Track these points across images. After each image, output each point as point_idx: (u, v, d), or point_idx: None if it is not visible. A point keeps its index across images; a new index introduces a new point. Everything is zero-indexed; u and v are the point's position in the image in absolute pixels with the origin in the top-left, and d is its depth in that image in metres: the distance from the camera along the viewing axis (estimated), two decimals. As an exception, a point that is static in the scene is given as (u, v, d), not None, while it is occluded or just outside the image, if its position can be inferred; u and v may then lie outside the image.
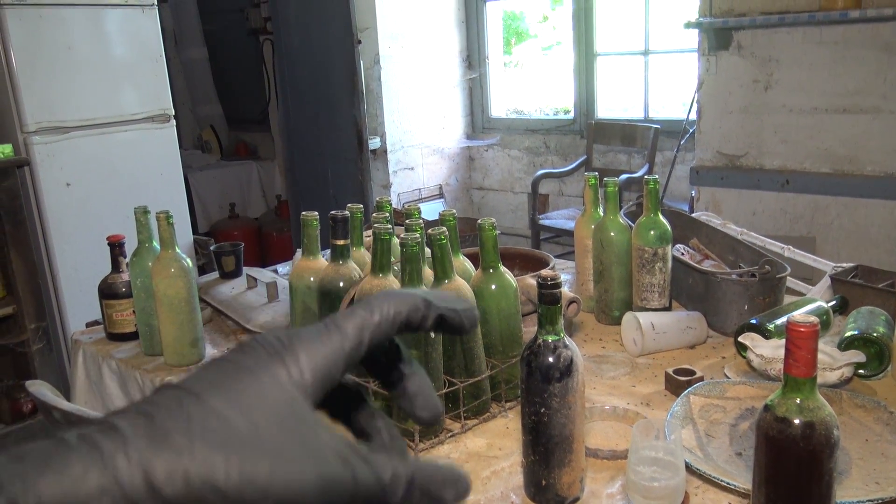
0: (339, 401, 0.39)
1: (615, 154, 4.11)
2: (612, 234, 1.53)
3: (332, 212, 1.24)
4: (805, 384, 0.77)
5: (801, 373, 0.76)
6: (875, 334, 1.24)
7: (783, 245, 1.91)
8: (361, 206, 1.37)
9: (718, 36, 3.21)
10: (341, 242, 1.25)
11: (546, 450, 0.94)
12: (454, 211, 1.27)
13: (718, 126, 3.28)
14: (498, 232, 1.21)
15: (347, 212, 1.28)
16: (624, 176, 3.48)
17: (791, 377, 0.77)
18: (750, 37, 3.16)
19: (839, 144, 3.01)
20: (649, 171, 3.71)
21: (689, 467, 0.95)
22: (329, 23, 3.82)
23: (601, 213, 1.58)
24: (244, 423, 0.30)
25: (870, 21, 2.85)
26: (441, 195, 4.59)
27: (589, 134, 4.06)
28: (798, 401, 0.77)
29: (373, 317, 0.35)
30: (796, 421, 0.76)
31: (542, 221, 3.88)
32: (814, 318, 0.75)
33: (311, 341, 0.34)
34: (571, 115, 4.38)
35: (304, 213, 1.31)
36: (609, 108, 4.33)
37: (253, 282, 1.73)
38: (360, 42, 3.88)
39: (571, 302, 1.33)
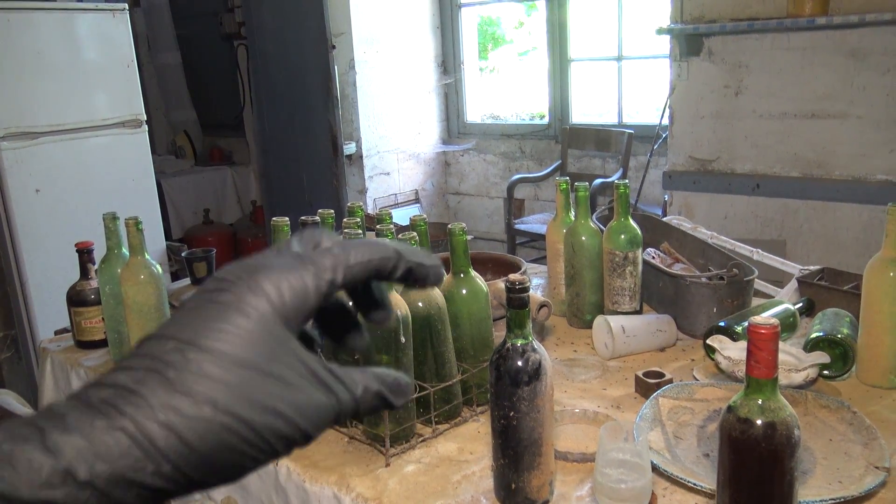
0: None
1: (590, 159, 4.14)
2: (583, 238, 1.54)
3: (303, 217, 1.24)
4: (766, 385, 0.78)
5: (763, 374, 0.77)
6: (839, 336, 1.27)
7: (752, 248, 1.94)
8: (332, 211, 1.37)
9: (689, 42, 3.25)
10: (312, 248, 1.25)
11: (515, 453, 0.94)
12: (425, 216, 1.27)
13: (690, 131, 3.32)
14: (470, 237, 1.22)
15: (318, 217, 1.28)
16: (598, 180, 3.51)
17: (753, 378, 0.78)
18: (720, 43, 3.20)
19: (808, 149, 3.06)
20: (623, 176, 3.74)
21: (656, 469, 0.96)
22: (303, 28, 3.81)
23: (573, 218, 1.59)
24: (245, 359, 0.32)
25: (836, 28, 2.90)
26: (417, 200, 4.59)
27: (564, 139, 4.08)
28: (760, 402, 0.78)
29: (348, 257, 0.37)
30: (758, 421, 0.77)
31: (517, 226, 3.90)
32: (774, 320, 0.77)
33: (287, 272, 0.35)
34: (546, 121, 4.41)
35: (274, 219, 1.30)
36: (584, 113, 4.37)
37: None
38: (334, 47, 3.87)
39: (542, 306, 1.34)
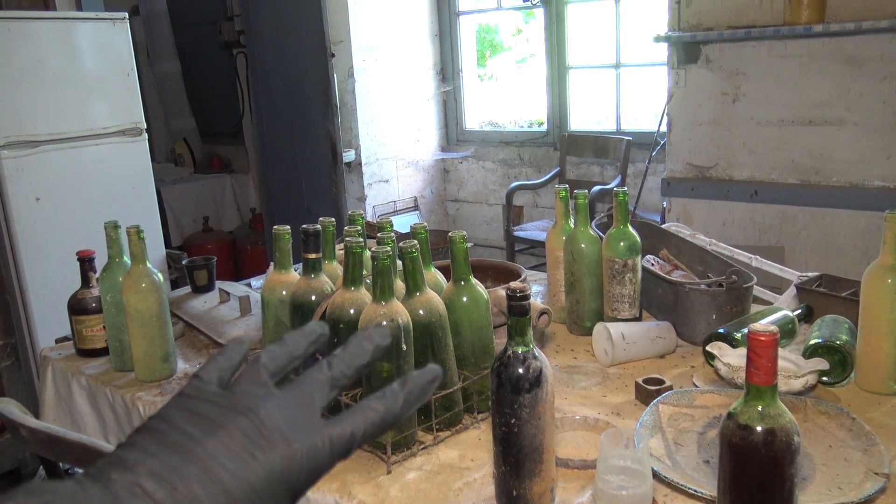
0: None
1: (588, 166, 4.15)
2: (582, 245, 1.55)
3: (304, 225, 1.24)
4: (766, 392, 0.79)
5: (762, 380, 0.78)
6: (838, 342, 1.27)
7: (751, 255, 1.95)
8: (333, 219, 1.38)
9: (687, 50, 3.27)
10: (313, 256, 1.26)
11: (516, 460, 0.94)
12: (425, 224, 1.28)
13: (688, 138, 3.33)
14: (470, 244, 1.22)
15: (319, 225, 1.29)
16: (597, 188, 3.52)
17: (752, 385, 0.79)
18: (718, 50, 3.21)
19: (805, 156, 3.07)
20: (622, 183, 3.75)
21: (657, 475, 0.97)
22: (303, 36, 3.83)
23: (572, 225, 1.60)
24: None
25: (833, 35, 2.92)
26: (416, 207, 4.60)
27: (562, 146, 4.10)
28: (760, 408, 0.79)
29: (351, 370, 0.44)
30: (758, 428, 0.78)
31: (516, 233, 3.91)
32: (773, 327, 0.77)
33: (315, 467, 0.40)
34: (545, 128, 4.42)
35: (275, 227, 1.31)
36: (582, 120, 4.38)
37: (226, 296, 1.72)
38: (333, 55, 3.89)
39: (542, 313, 1.35)
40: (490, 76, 5.09)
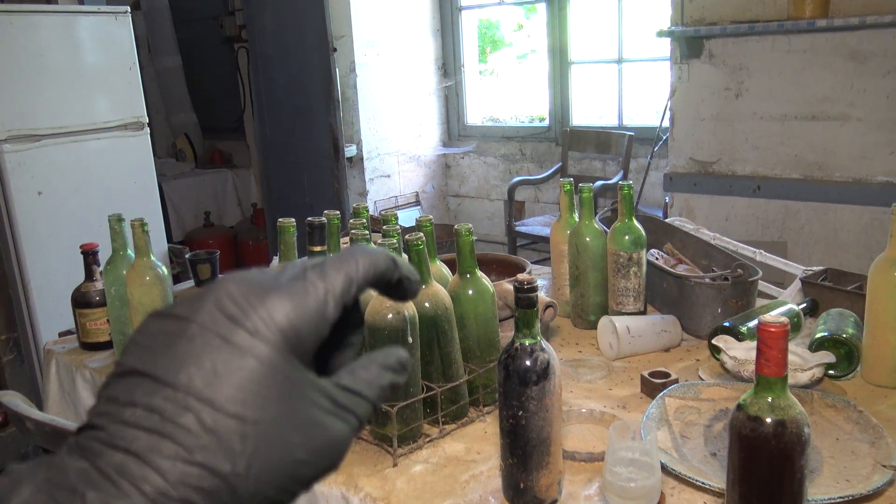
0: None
1: (590, 161, 4.14)
2: (587, 239, 1.54)
3: (309, 218, 1.24)
4: (776, 383, 0.78)
5: (773, 372, 0.78)
6: (844, 335, 1.27)
7: (755, 249, 1.94)
8: (338, 212, 1.37)
9: (690, 44, 3.26)
10: (318, 249, 1.25)
11: (524, 452, 0.94)
12: (431, 217, 1.27)
13: (691, 133, 3.33)
14: (475, 238, 1.22)
15: (324, 218, 1.28)
16: (599, 182, 3.51)
17: (763, 376, 0.78)
18: (721, 45, 3.21)
19: (808, 151, 3.07)
20: (624, 178, 3.74)
21: (664, 468, 0.96)
22: (304, 31, 3.82)
23: (576, 219, 1.59)
24: (259, 417, 0.30)
25: (836, 30, 2.91)
26: (417, 202, 4.59)
27: (564, 141, 4.09)
28: (770, 399, 0.78)
29: (359, 271, 0.35)
30: (768, 419, 0.78)
31: (518, 228, 3.90)
32: (784, 319, 0.77)
33: (299, 297, 0.32)
34: (547, 123, 4.42)
35: (280, 219, 1.31)
36: (584, 115, 4.37)
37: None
38: (335, 50, 3.88)
39: (548, 306, 1.34)
40: (491, 71, 5.08)
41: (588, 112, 4.40)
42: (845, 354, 1.27)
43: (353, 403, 0.34)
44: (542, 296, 1.36)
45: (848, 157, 2.99)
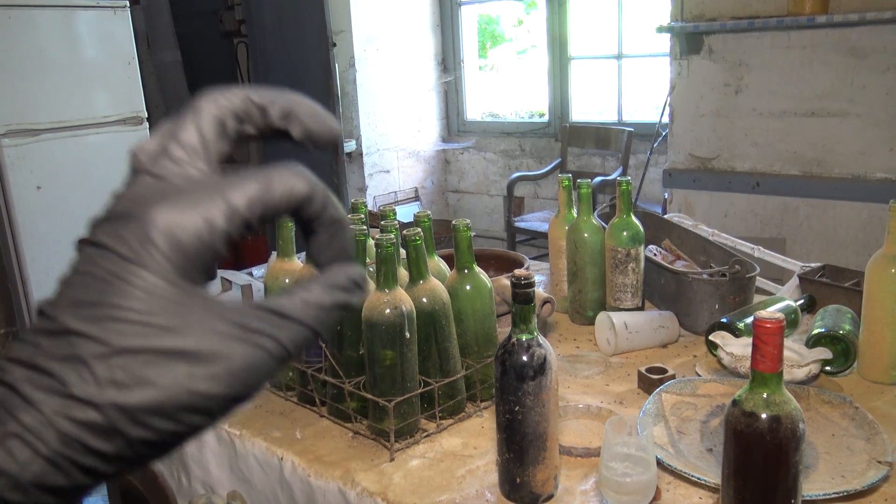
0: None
1: (589, 157, 4.14)
2: (585, 234, 1.55)
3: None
4: (771, 379, 0.79)
5: (768, 368, 0.78)
6: (841, 332, 1.27)
7: (753, 245, 1.94)
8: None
9: (690, 40, 3.26)
10: (316, 244, 1.25)
11: (520, 447, 0.94)
12: (429, 212, 1.28)
13: (690, 129, 3.33)
14: (473, 233, 1.22)
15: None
16: (598, 178, 3.52)
17: (758, 372, 0.79)
18: (720, 41, 3.20)
19: (808, 147, 3.07)
20: (623, 174, 3.74)
21: (660, 463, 0.97)
22: (304, 26, 3.81)
23: (575, 215, 1.59)
24: (143, 345, 0.28)
25: (836, 26, 2.91)
26: (417, 198, 4.59)
27: (563, 137, 4.09)
28: (765, 395, 0.79)
29: (270, 193, 0.31)
30: (763, 415, 0.78)
31: (517, 224, 3.90)
32: (779, 315, 0.77)
33: (186, 209, 0.29)
34: (546, 119, 4.41)
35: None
36: (584, 111, 4.37)
37: (227, 284, 1.72)
38: (334, 45, 3.87)
39: (546, 302, 1.35)
40: (491, 67, 5.08)
41: (588, 108, 4.40)
42: (842, 351, 1.27)
43: (273, 326, 0.30)
44: (540, 291, 1.36)
45: (847, 153, 2.99)
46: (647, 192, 3.83)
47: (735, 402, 0.80)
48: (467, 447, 1.11)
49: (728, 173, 3.23)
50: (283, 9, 3.93)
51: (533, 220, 3.94)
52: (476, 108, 4.80)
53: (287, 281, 1.30)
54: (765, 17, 3.03)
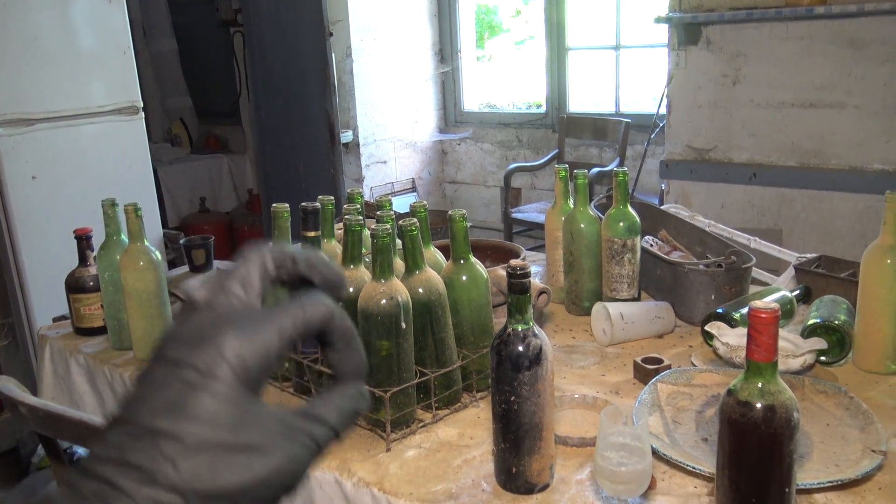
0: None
1: (587, 148, 4.14)
2: (581, 225, 1.55)
3: (303, 203, 1.24)
4: (766, 368, 0.79)
5: (763, 357, 0.78)
6: (836, 322, 1.27)
7: (750, 237, 1.94)
8: (333, 198, 1.37)
9: (688, 31, 3.25)
10: (312, 234, 1.25)
11: (516, 437, 0.95)
12: (425, 203, 1.27)
13: (688, 120, 3.32)
14: (469, 224, 1.22)
15: (318, 203, 1.28)
16: (595, 169, 3.51)
17: (753, 362, 0.79)
18: (718, 32, 3.20)
19: (805, 138, 3.07)
20: (620, 165, 3.74)
21: (655, 453, 0.97)
22: (300, 15, 3.79)
23: (571, 206, 1.59)
24: (214, 439, 0.34)
25: (835, 17, 2.90)
26: (414, 189, 4.59)
27: (561, 128, 4.08)
28: (760, 385, 0.79)
29: (306, 316, 0.39)
30: (758, 404, 0.78)
31: (514, 215, 3.90)
32: (774, 305, 0.77)
33: (250, 336, 0.36)
34: (544, 109, 4.40)
35: (274, 205, 1.30)
36: (581, 102, 4.36)
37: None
38: (331, 35, 3.86)
39: (542, 292, 1.35)
40: (489, 57, 5.06)
41: (585, 99, 4.39)
42: (837, 341, 1.27)
43: (311, 428, 0.38)
44: (536, 282, 1.37)
45: (844, 144, 2.99)
46: (645, 183, 3.83)
47: (730, 392, 0.80)
48: (463, 437, 1.11)
49: (725, 164, 3.23)
50: (279, -2, 3.91)
51: (530, 211, 3.93)
52: (474, 99, 4.79)
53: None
54: (763, 8, 3.02)
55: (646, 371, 1.22)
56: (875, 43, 2.87)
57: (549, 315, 1.56)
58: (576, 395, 1.17)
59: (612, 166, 3.65)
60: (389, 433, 1.09)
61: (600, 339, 1.42)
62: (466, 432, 1.12)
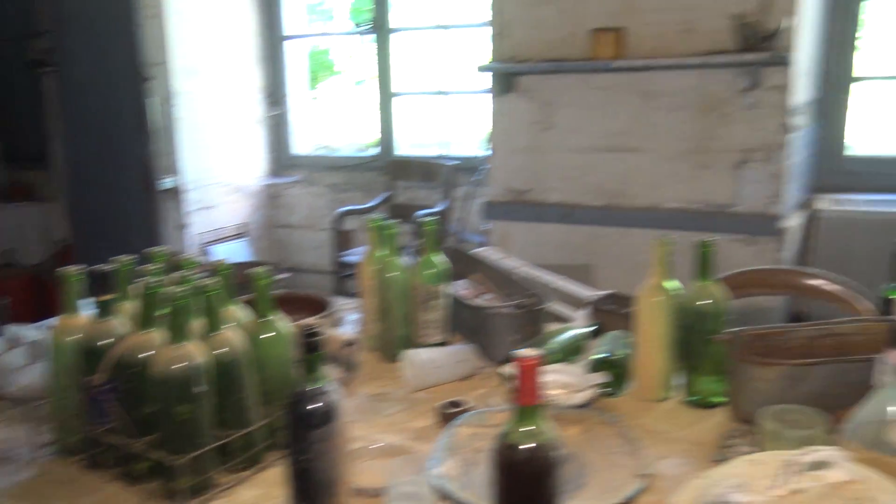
0: None
1: (416, 190, 4.25)
2: (392, 273, 1.60)
3: (92, 267, 1.19)
4: (531, 411, 0.86)
5: (527, 401, 0.85)
6: (617, 356, 1.40)
7: (556, 276, 2.09)
8: (133, 257, 1.33)
9: (505, 80, 3.46)
10: (105, 298, 1.21)
11: (311, 495, 0.96)
12: (225, 259, 1.27)
13: (507, 163, 3.52)
14: (285, 276, 1.23)
15: (110, 265, 1.24)
16: (422, 212, 3.62)
17: (519, 406, 0.86)
18: (532, 81, 3.42)
19: (609, 180, 3.34)
20: (448, 207, 3.88)
21: (450, 496, 1.02)
22: (115, 58, 3.65)
23: (386, 253, 1.64)
24: None
25: (631, 70, 3.20)
26: (243, 234, 4.49)
27: (390, 171, 4.18)
28: (525, 427, 0.86)
29: None
30: (523, 446, 0.85)
31: (345, 259, 3.92)
32: (535, 352, 0.85)
33: None
34: (378, 151, 4.50)
35: (64, 268, 1.24)
36: (414, 144, 4.51)
37: (16, 341, 1.60)
38: (149, 79, 3.73)
39: (348, 343, 1.38)
40: (323, 99, 5.10)
41: (417, 141, 4.54)
42: (619, 374, 1.40)
43: None
44: (344, 332, 1.39)
45: (643, 185, 3.28)
46: (474, 222, 3.99)
47: (499, 436, 0.87)
48: (267, 497, 1.11)
49: (540, 205, 3.45)
50: (94, 39, 3.74)
51: (360, 255, 3.96)
52: (306, 142, 4.80)
53: (74, 337, 1.23)
54: (570, 61, 3.28)
55: (445, 415, 1.28)
56: (664, 94, 3.19)
57: (362, 364, 1.59)
58: (379, 445, 1.20)
59: (439, 209, 3.78)
60: (189, 500, 1.07)
61: (409, 386, 1.47)
62: (269, 492, 1.12)
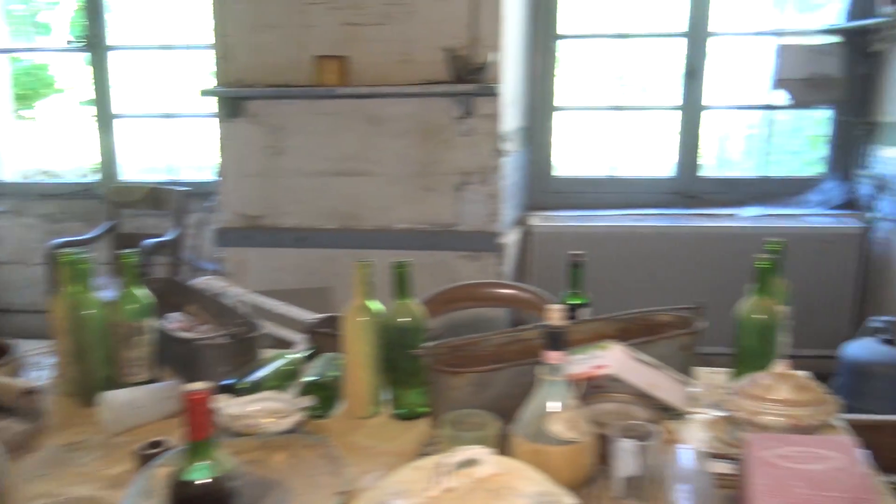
0: None
1: (145, 218, 4.00)
2: (87, 311, 1.49)
3: None
4: (204, 445, 0.85)
5: (198, 436, 0.84)
6: (327, 378, 1.43)
7: (277, 302, 2.09)
8: None
9: (231, 104, 3.38)
10: None
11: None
12: None
13: (239, 189, 3.44)
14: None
15: None
16: (150, 241, 3.42)
17: (190, 441, 0.84)
18: (260, 106, 3.39)
19: (342, 203, 3.41)
20: (180, 235, 3.70)
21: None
22: None
23: (79, 289, 1.52)
24: None
25: (355, 97, 3.30)
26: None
27: (112, 198, 3.89)
28: (200, 462, 0.85)
29: None
30: (199, 481, 0.84)
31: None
32: (203, 386, 0.84)
33: None
34: (99, 178, 4.16)
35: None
36: (144, 169, 4.25)
37: None
38: None
39: (27, 392, 1.25)
40: (41, 119, 4.61)
41: (145, 166, 4.28)
42: (328, 395, 1.43)
43: None
44: (20, 381, 1.27)
45: (374, 207, 3.40)
46: (208, 250, 3.84)
47: (174, 473, 0.85)
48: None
49: (275, 230, 3.42)
50: None
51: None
52: (15, 167, 4.30)
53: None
54: (296, 87, 3.30)
55: (142, 458, 1.21)
56: (389, 120, 3.34)
57: (52, 411, 1.45)
58: (62, 499, 1.11)
59: (168, 237, 3.59)
60: None
61: (108, 430, 1.37)
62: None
